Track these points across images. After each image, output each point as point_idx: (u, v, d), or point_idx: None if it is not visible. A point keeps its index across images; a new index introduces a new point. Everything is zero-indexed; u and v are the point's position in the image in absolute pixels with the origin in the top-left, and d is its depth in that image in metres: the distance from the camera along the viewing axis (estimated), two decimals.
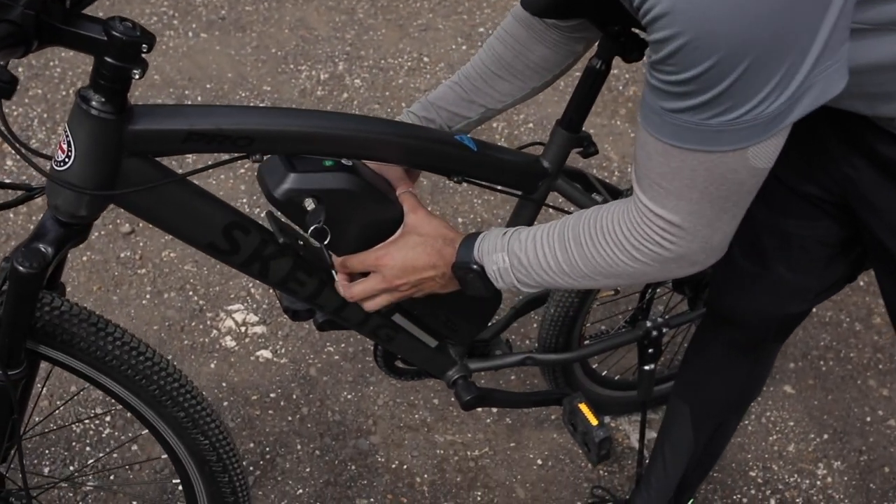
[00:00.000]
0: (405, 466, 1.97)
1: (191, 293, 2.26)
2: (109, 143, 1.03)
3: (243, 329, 2.20)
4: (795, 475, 2.05)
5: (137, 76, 0.99)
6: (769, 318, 1.45)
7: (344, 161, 1.20)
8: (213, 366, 2.11)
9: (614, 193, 1.60)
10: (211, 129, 1.07)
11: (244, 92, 2.85)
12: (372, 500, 1.91)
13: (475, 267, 1.19)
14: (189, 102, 2.77)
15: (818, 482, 2.04)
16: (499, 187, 1.39)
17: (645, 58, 0.90)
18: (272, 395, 2.07)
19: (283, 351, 2.17)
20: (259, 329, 2.21)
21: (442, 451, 2.01)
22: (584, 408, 1.68)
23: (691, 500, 1.79)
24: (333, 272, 1.27)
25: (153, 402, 1.23)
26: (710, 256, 1.05)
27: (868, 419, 2.18)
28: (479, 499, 1.94)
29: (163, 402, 1.23)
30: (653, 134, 0.93)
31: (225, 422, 1.46)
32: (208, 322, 2.21)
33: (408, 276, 1.21)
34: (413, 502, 1.92)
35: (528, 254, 1.14)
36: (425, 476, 1.97)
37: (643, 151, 0.96)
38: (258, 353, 2.15)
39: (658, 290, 1.84)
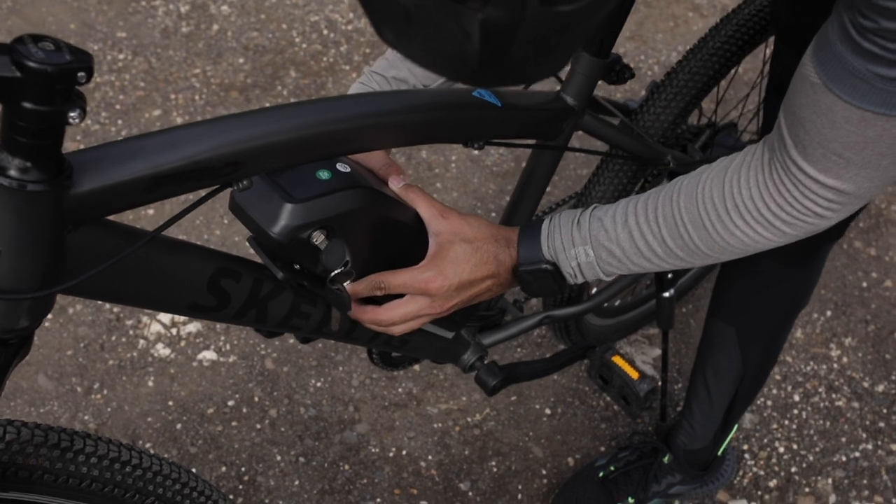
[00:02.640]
0: (404, 452, 1.73)
1: (100, 302, 1.90)
2: (47, 223, 0.70)
3: (174, 331, 1.87)
4: (811, 362, 1.91)
5: (76, 120, 0.65)
6: None
7: (339, 167, 0.92)
8: (151, 384, 1.79)
9: (626, 112, 1.34)
10: (183, 165, 0.75)
11: (96, 44, 2.41)
12: (378, 500, 1.66)
13: (546, 266, 0.98)
14: None
15: (835, 365, 1.90)
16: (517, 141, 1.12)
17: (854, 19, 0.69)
18: (230, 402, 1.77)
19: (227, 347, 1.85)
20: (193, 327, 1.88)
21: (440, 425, 1.77)
22: (619, 361, 1.46)
23: (735, 427, 1.61)
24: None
25: None
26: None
27: (864, 285, 2.05)
28: (495, 469, 1.72)
29: None
30: (851, 101, 0.75)
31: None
32: (131, 332, 1.86)
33: (462, 293, 0.98)
34: (425, 491, 1.68)
35: (621, 244, 0.95)
36: (430, 458, 1.72)
37: (825, 119, 0.77)
38: (200, 357, 1.84)
39: None
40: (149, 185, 0.74)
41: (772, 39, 1.46)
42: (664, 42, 2.60)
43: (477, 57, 0.66)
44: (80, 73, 0.63)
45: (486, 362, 1.35)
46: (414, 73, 1.11)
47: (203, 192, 0.81)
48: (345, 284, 0.93)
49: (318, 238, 0.88)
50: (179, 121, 2.29)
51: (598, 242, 0.96)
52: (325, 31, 2.57)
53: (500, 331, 1.40)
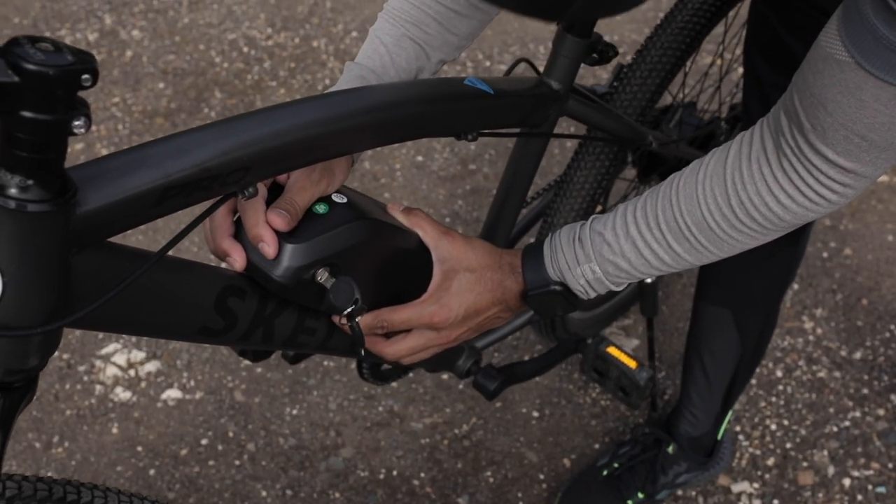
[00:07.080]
0: (395, 472, 1.64)
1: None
2: (54, 247, 0.62)
3: (132, 372, 1.74)
4: (787, 337, 1.90)
5: (82, 130, 0.58)
6: None
7: (335, 198, 0.86)
8: (115, 431, 1.66)
9: (600, 95, 1.30)
10: (194, 174, 0.68)
11: None
12: None
13: (555, 287, 0.95)
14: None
15: (810, 337, 1.90)
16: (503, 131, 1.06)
17: None
18: (204, 441, 1.66)
19: (192, 384, 1.74)
20: (152, 366, 1.76)
21: (427, 440, 1.69)
22: (615, 352, 1.41)
23: (731, 411, 1.58)
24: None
25: None
26: None
27: (825, 255, 2.06)
28: (491, 479, 1.65)
29: None
30: (884, 77, 0.71)
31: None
32: (85, 378, 1.73)
33: (468, 322, 0.95)
34: None
35: (626, 256, 0.91)
36: (422, 475, 1.64)
37: (853, 98, 0.74)
38: (164, 396, 1.71)
39: None
40: (159, 199, 0.67)
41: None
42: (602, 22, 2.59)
43: None
44: (85, 76, 0.55)
45: (481, 366, 1.29)
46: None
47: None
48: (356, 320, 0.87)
49: (323, 276, 0.83)
50: (105, 153, 2.16)
51: (602, 258, 0.92)
52: (246, 49, 2.47)
53: (493, 332, 1.34)
